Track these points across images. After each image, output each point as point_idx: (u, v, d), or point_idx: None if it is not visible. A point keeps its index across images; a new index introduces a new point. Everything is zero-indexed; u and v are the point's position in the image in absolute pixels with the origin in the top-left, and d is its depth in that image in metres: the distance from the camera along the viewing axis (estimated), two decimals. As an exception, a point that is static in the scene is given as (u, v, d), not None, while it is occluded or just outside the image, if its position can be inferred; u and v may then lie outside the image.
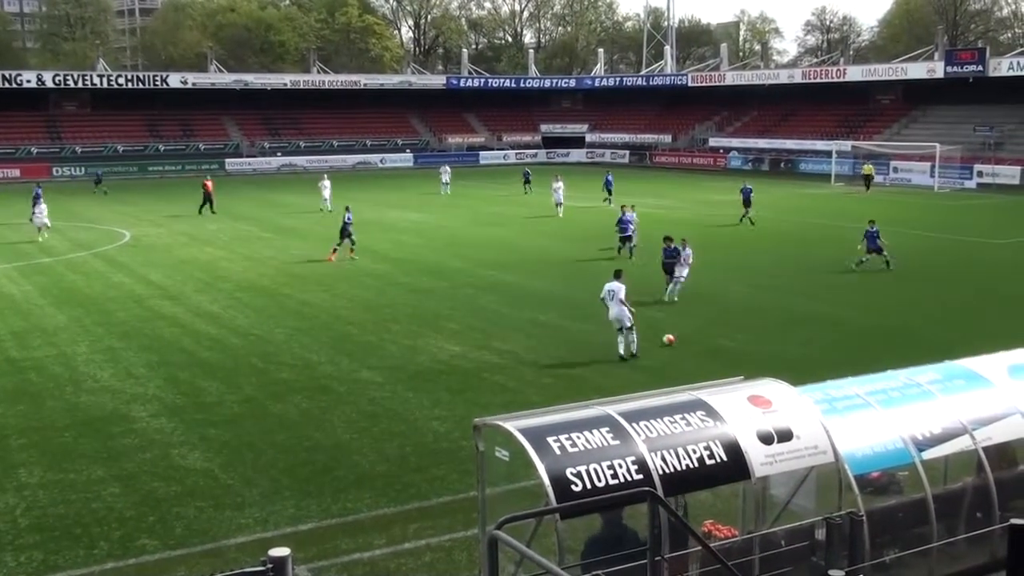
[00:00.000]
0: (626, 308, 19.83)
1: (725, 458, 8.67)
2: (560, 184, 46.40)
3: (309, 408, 17.20)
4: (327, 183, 49.62)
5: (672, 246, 25.95)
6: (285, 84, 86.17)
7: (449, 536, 11.97)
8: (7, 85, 75.14)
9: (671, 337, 20.88)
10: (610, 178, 53.23)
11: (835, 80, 78.14)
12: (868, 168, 60.93)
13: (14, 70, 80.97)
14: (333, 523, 12.54)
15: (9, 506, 13.10)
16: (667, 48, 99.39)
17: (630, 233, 32.55)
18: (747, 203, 41.78)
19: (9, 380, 19.10)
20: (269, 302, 26.51)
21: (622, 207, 33.90)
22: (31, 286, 29.09)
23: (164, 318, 24.57)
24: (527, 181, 57.83)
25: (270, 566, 6.19)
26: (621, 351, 19.87)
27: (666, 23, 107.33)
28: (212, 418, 16.70)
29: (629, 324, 19.89)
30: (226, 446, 15.32)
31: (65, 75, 79.88)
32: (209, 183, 49.21)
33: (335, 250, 33.32)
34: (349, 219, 33.71)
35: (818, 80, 79.65)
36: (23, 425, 16.42)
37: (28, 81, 77.11)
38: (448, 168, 62.50)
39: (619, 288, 20.07)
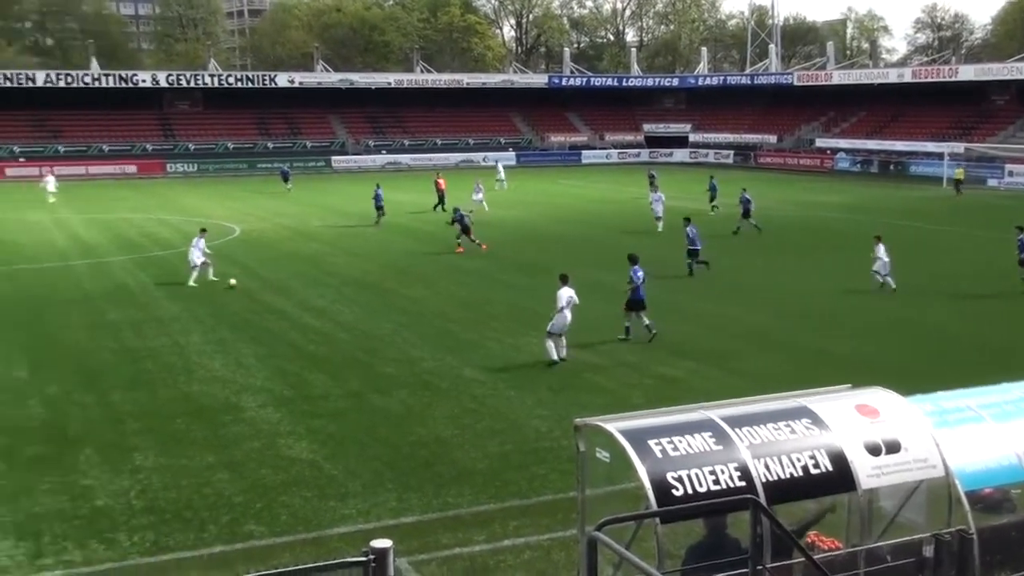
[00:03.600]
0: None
1: (830, 468, 8.50)
2: (660, 195, 41.70)
3: (412, 403, 17.47)
4: (480, 186, 49.37)
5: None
6: (389, 83, 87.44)
7: (548, 535, 12.01)
8: (123, 85, 78.21)
9: (234, 281, 27.16)
10: (715, 183, 47.47)
11: (947, 80, 75.67)
12: (959, 172, 59.04)
13: (130, 71, 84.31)
14: (434, 517, 12.70)
15: (124, 488, 13.65)
16: (772, 46, 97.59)
17: (699, 247, 29.90)
18: (746, 214, 38.73)
19: (127, 368, 19.92)
20: (373, 297, 27.00)
21: (685, 219, 30.70)
22: (147, 277, 30.20)
23: (273, 311, 25.24)
24: (652, 184, 49.06)
25: (372, 557, 6.30)
26: (563, 355, 19.87)
27: (771, 21, 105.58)
28: (318, 410, 17.11)
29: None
30: (331, 438, 15.67)
31: (178, 75, 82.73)
32: (442, 181, 48.77)
33: (473, 243, 35.12)
34: (462, 215, 36.17)
35: (929, 80, 77.22)
36: (139, 411, 17.10)
37: (143, 81, 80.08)
38: (502, 165, 62.95)
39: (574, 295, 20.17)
